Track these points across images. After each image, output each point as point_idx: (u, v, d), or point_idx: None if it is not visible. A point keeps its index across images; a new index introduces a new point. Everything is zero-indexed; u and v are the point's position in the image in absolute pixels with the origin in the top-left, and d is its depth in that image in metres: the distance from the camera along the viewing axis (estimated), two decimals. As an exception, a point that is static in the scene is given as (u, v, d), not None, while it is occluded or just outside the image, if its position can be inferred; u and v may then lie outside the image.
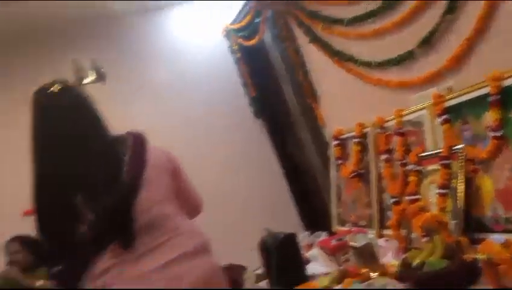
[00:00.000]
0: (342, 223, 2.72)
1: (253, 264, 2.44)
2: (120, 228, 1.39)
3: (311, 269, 2.22)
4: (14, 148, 3.22)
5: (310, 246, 2.60)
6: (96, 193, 1.37)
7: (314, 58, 2.90)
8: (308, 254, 2.37)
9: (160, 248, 1.41)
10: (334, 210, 2.79)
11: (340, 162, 2.69)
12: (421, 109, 2.04)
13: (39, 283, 2.64)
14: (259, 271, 2.46)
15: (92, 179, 1.39)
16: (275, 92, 3.69)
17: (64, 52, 3.32)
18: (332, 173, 2.81)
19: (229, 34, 3.78)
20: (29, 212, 1.59)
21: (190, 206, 1.60)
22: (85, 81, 3.03)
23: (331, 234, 2.73)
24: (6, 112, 3.40)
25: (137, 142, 1.50)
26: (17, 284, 2.61)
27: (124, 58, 3.53)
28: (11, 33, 3.29)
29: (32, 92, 1.51)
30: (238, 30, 3.56)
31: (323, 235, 2.69)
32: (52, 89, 1.47)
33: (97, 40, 3.47)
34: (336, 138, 2.73)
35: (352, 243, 1.87)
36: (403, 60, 2.09)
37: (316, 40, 2.66)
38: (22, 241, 2.78)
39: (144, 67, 3.68)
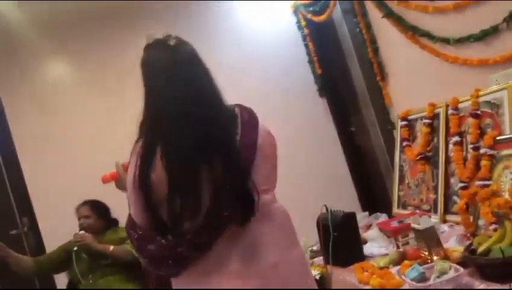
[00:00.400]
0: (403, 206, 2.64)
1: (310, 240, 2.44)
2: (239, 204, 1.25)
3: (368, 249, 2.19)
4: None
5: (368, 227, 2.56)
6: (215, 159, 1.22)
7: (385, 35, 2.79)
8: (366, 235, 2.33)
9: (260, 240, 1.28)
10: (395, 193, 2.71)
11: (406, 143, 2.60)
12: (501, 89, 1.91)
13: (111, 247, 2.70)
14: (315, 247, 2.45)
15: (212, 143, 1.23)
16: (341, 70, 3.61)
17: (143, 29, 3.40)
18: (397, 154, 2.72)
19: (297, 10, 3.72)
20: (107, 178, 1.57)
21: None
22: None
23: (390, 216, 2.67)
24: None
25: (250, 119, 1.32)
26: (91, 248, 2.69)
27: (193, 37, 3.56)
28: (101, 10, 3.49)
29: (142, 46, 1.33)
30: (308, 5, 3.50)
31: (382, 217, 2.63)
32: (170, 41, 1.29)
33: (167, 19, 3.54)
34: (403, 118, 2.63)
35: (415, 225, 1.80)
36: (485, 35, 1.95)
37: (390, 14, 2.55)
38: (92, 205, 2.88)
39: (211, 46, 3.70)
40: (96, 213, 2.86)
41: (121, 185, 1.50)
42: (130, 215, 1.31)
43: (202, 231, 1.23)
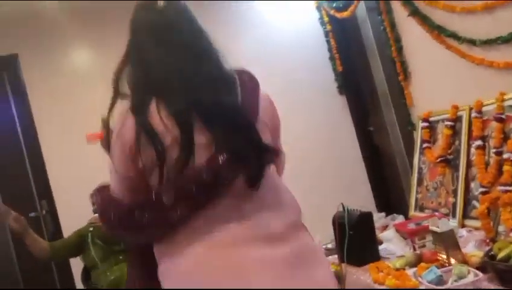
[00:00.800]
0: (420, 209, 2.61)
1: (324, 237, 2.42)
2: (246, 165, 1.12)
3: (384, 250, 2.17)
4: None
5: (384, 228, 2.54)
6: (215, 121, 1.12)
7: (410, 34, 2.76)
8: (382, 235, 2.31)
9: (264, 211, 1.15)
10: (413, 195, 2.68)
11: (426, 145, 2.56)
12: (528, 94, 1.87)
13: None
14: (330, 245, 2.44)
15: (211, 104, 1.13)
16: (362, 68, 3.57)
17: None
18: (416, 156, 2.68)
19: (320, 6, 3.70)
20: (92, 137, 1.47)
21: (278, 171, 1.31)
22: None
23: (407, 218, 2.64)
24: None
25: (251, 83, 1.23)
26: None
27: (215, 34, 3.56)
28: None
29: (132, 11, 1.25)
30: (331, 2, 3.47)
31: (399, 219, 2.61)
32: (157, 4, 1.21)
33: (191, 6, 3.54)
34: (424, 119, 2.59)
35: (433, 228, 1.78)
36: (515, 38, 1.92)
37: (416, 13, 2.51)
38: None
39: (233, 42, 3.69)
40: None
41: (106, 145, 1.36)
42: (109, 194, 1.24)
43: (199, 188, 1.10)
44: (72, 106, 3.60)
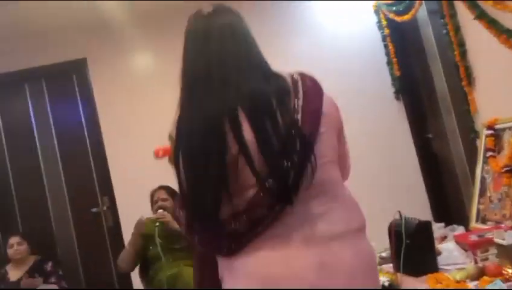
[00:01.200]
0: (482, 220, 2.49)
1: (378, 246, 2.36)
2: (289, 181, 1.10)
3: (442, 261, 2.09)
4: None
5: (443, 238, 2.44)
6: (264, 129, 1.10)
7: (474, 37, 2.64)
8: (440, 246, 2.23)
9: (323, 217, 1.13)
10: (474, 206, 2.57)
11: (490, 154, 2.45)
12: None
13: None
14: (384, 254, 2.37)
15: (260, 110, 1.12)
16: (421, 73, 3.47)
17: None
18: (479, 165, 2.57)
19: (379, 9, 3.63)
20: (160, 152, 1.46)
21: (343, 175, 1.28)
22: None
23: (467, 229, 2.53)
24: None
25: (313, 86, 1.21)
26: (170, 227, 2.79)
27: (272, 37, 3.59)
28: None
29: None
30: (391, 5, 3.39)
31: (459, 230, 2.51)
32: (206, 10, 1.23)
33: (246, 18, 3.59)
34: (489, 126, 2.48)
35: (498, 240, 1.69)
36: None
37: (482, 16, 2.40)
38: (168, 190, 3.02)
39: (289, 45, 3.70)
40: (172, 197, 2.99)
41: (174, 160, 1.39)
42: (179, 197, 1.22)
43: (256, 205, 1.10)
44: (134, 108, 3.76)
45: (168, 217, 2.82)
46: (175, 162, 1.17)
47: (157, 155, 1.52)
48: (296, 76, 1.21)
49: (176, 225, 2.80)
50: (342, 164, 1.27)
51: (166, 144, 1.49)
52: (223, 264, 1.18)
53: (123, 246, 3.27)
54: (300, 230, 1.11)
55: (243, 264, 1.12)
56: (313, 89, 1.20)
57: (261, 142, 1.10)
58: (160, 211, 2.85)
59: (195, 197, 1.13)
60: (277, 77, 1.20)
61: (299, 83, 1.19)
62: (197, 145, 1.12)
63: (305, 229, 1.11)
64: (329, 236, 1.12)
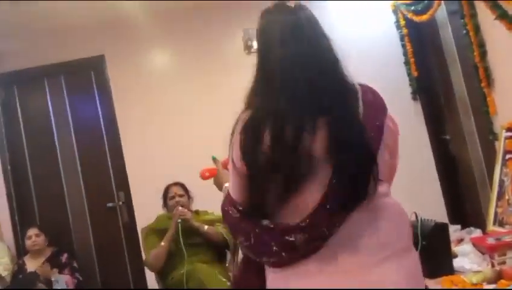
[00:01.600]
0: (500, 223, 2.46)
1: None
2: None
3: (459, 263, 2.08)
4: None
5: (459, 241, 2.42)
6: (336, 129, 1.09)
7: (495, 38, 2.60)
8: (457, 248, 2.21)
9: (377, 234, 1.11)
10: (492, 209, 2.53)
11: (509, 156, 2.42)
12: None
13: (206, 227, 2.81)
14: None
15: (332, 109, 1.09)
16: (439, 73, 3.43)
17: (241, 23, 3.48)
18: (498, 167, 2.53)
19: (397, 8, 3.59)
20: (206, 174, 1.44)
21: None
22: (252, 50, 3.14)
23: (485, 232, 2.50)
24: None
25: (376, 99, 1.18)
26: (190, 225, 2.81)
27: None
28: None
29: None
30: (409, 4, 3.36)
31: (476, 233, 2.48)
32: (289, 4, 1.20)
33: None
34: (509, 129, 2.45)
35: (516, 244, 1.67)
36: None
37: (504, 16, 2.37)
38: (184, 186, 3.04)
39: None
40: (188, 194, 3.01)
41: (219, 183, 1.41)
42: (228, 194, 1.19)
43: (318, 221, 1.07)
44: (151, 105, 3.80)
45: (188, 214, 2.84)
46: (240, 155, 1.11)
47: (203, 177, 1.48)
48: (357, 85, 1.18)
49: (195, 223, 2.82)
50: (390, 174, 1.24)
51: (206, 161, 1.45)
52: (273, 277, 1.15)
53: (137, 240, 3.31)
54: (349, 252, 1.09)
55: (287, 281, 1.11)
56: (374, 102, 1.18)
57: (335, 152, 1.08)
58: (180, 208, 2.87)
59: (257, 193, 1.11)
60: (351, 86, 1.17)
61: (359, 94, 1.16)
62: (278, 140, 1.07)
63: (353, 252, 1.09)
64: (377, 260, 1.10)
